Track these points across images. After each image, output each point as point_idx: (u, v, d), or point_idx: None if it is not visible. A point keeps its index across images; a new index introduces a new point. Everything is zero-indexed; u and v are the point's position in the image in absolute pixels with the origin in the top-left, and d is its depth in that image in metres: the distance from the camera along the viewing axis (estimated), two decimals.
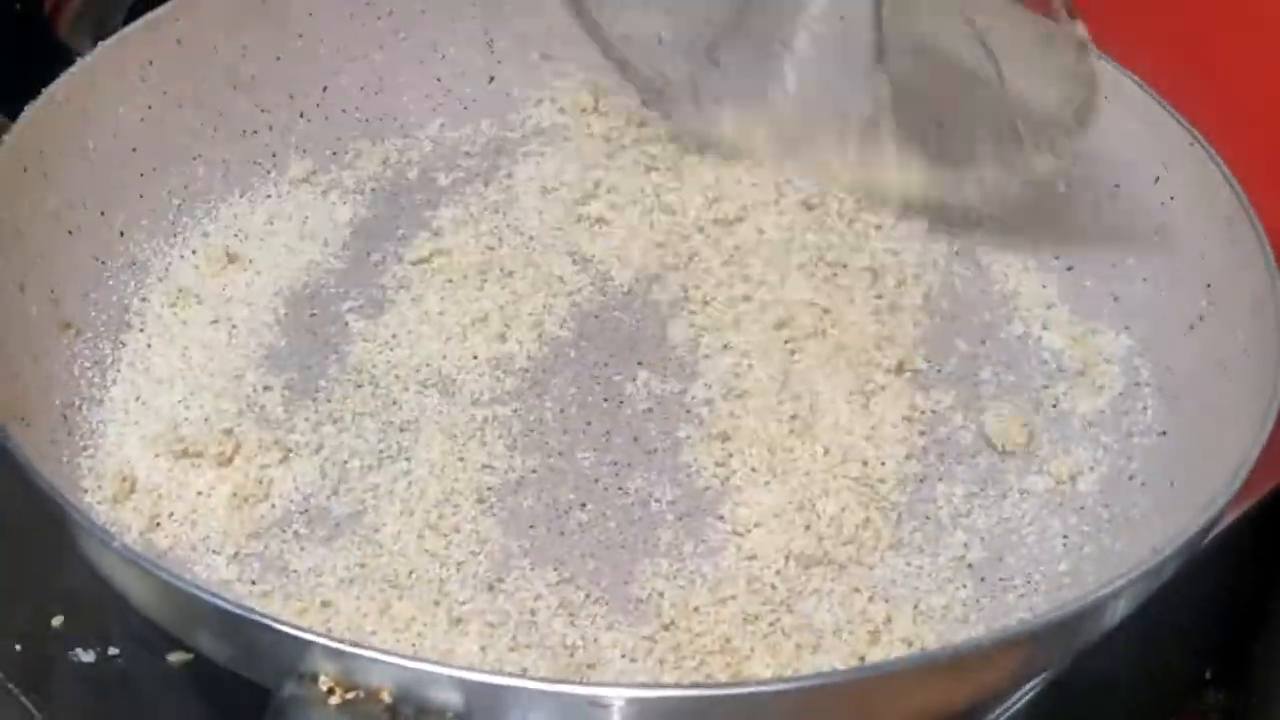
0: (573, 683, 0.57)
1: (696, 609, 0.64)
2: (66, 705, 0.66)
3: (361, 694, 0.52)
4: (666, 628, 0.64)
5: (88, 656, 0.66)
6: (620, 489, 0.70)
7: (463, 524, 0.67)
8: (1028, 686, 0.67)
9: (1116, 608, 0.58)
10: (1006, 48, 0.77)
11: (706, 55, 0.85)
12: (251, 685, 0.56)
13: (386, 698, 0.52)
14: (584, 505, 0.69)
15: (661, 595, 0.65)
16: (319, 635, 0.53)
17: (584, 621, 0.64)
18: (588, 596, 0.65)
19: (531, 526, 0.68)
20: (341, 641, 0.53)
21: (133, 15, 0.79)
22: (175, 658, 0.66)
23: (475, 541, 0.67)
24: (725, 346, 0.76)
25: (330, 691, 0.53)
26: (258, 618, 0.54)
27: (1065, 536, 0.69)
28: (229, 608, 0.54)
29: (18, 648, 0.67)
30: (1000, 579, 0.67)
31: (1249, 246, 0.71)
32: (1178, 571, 0.60)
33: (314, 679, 0.53)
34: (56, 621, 0.67)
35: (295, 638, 0.53)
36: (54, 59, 0.75)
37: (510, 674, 0.53)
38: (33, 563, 0.69)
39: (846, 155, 0.82)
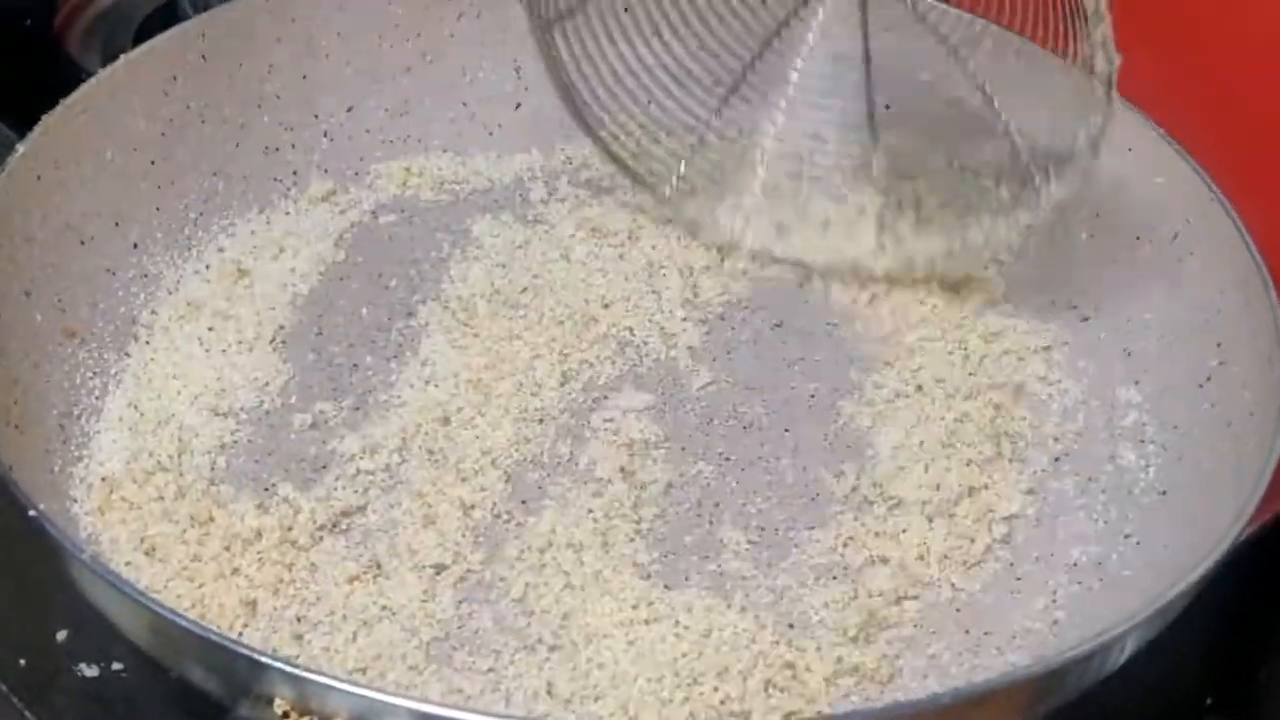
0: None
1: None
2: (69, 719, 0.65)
3: None
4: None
5: (91, 671, 0.66)
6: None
7: (446, 557, 0.67)
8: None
9: (1091, 669, 0.58)
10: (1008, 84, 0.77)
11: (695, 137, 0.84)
12: None
13: None
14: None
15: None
16: (277, 660, 0.53)
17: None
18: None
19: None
20: (298, 667, 0.53)
21: (141, 35, 0.80)
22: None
23: (459, 569, 0.66)
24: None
25: (285, 716, 0.53)
26: (215, 638, 0.54)
27: (1054, 594, 0.68)
28: (188, 626, 0.54)
29: (21, 662, 0.66)
30: (985, 633, 0.67)
31: (1262, 307, 0.70)
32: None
33: (269, 702, 0.53)
34: (61, 636, 0.67)
35: (253, 660, 0.53)
36: (63, 76, 0.76)
37: (466, 709, 0.53)
38: (37, 577, 0.68)
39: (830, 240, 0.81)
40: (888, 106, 0.81)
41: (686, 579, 0.67)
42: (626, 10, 0.82)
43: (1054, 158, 0.75)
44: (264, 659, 0.53)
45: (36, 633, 0.67)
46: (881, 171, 0.80)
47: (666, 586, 0.66)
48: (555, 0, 0.79)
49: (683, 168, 0.83)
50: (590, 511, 0.69)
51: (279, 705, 0.53)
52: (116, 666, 0.66)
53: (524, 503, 0.70)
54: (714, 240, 0.83)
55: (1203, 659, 0.72)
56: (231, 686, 0.54)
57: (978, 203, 0.79)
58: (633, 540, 0.68)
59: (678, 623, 0.65)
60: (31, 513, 0.57)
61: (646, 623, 0.64)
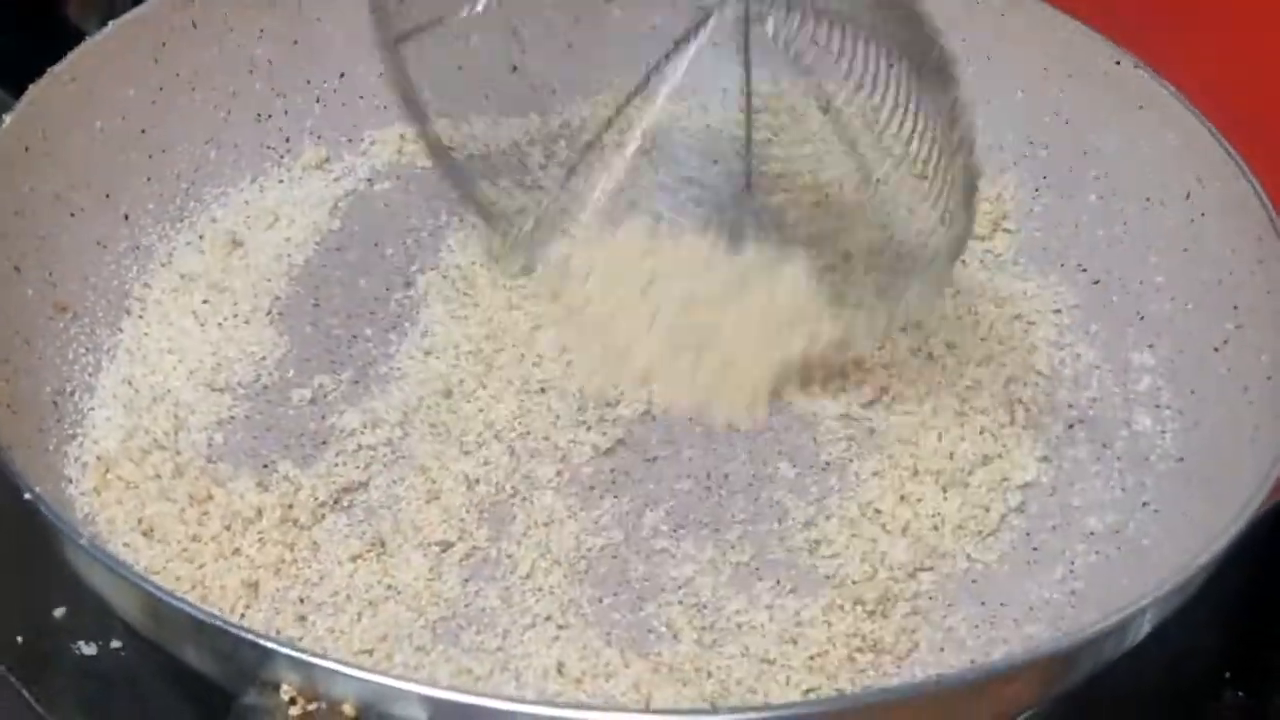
0: (548, 704, 0.56)
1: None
2: (68, 698, 0.64)
3: (323, 706, 0.51)
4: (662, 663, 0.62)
5: (90, 649, 0.65)
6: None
7: (451, 534, 0.65)
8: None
9: (1110, 644, 0.56)
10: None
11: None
12: None
13: (349, 710, 0.51)
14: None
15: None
16: (283, 645, 0.51)
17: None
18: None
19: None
20: (305, 652, 0.51)
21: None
22: None
23: (464, 547, 0.65)
24: None
25: (292, 701, 0.51)
26: (220, 624, 0.53)
27: (1072, 564, 0.67)
28: (191, 611, 0.53)
29: (19, 639, 0.65)
30: (1001, 605, 0.66)
31: (1279, 268, 0.69)
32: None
33: (276, 688, 0.51)
34: (58, 613, 0.66)
35: (259, 645, 0.52)
36: (63, 40, 0.74)
37: (478, 693, 0.52)
38: (34, 553, 0.66)
39: None
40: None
41: (700, 549, 0.66)
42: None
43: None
44: (270, 644, 0.51)
45: (34, 610, 0.66)
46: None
47: (674, 557, 0.65)
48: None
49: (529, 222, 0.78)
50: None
51: (285, 691, 0.51)
52: (115, 644, 0.65)
53: (528, 477, 0.68)
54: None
55: (1221, 635, 0.71)
56: (237, 672, 0.52)
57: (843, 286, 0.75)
58: (641, 513, 0.67)
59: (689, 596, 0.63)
60: (28, 495, 0.56)
61: None
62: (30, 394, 0.67)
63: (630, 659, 0.61)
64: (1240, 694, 0.73)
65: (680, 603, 0.64)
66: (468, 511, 0.66)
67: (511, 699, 0.51)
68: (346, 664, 0.51)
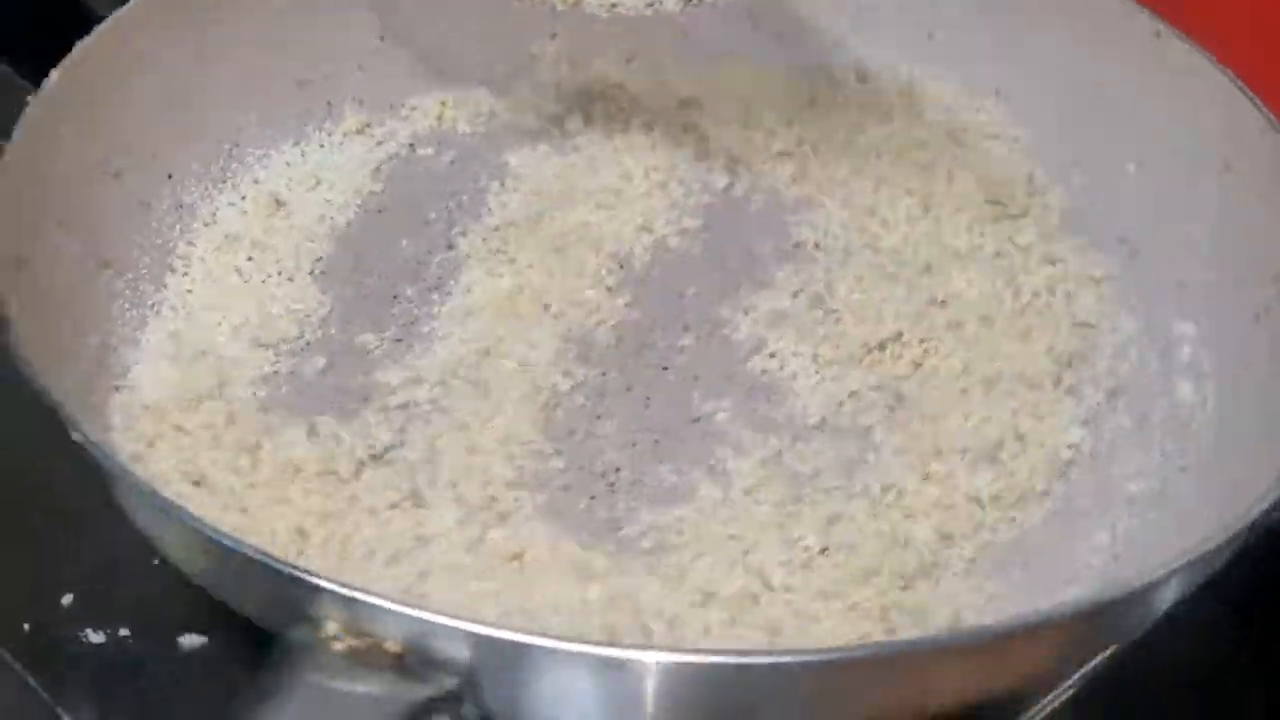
0: (588, 643, 0.56)
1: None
2: (75, 686, 0.64)
3: (369, 643, 0.51)
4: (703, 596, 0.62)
5: (98, 637, 0.65)
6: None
7: (493, 483, 0.66)
8: (1064, 685, 0.65)
9: (1156, 598, 0.56)
10: None
11: None
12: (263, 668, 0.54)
13: (393, 648, 0.51)
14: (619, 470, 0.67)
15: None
16: (328, 581, 0.51)
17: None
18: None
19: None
20: (351, 588, 0.51)
21: None
22: (187, 640, 0.65)
23: (509, 494, 0.66)
24: None
25: (337, 638, 0.51)
26: (268, 561, 0.53)
27: (1113, 527, 0.67)
28: (242, 549, 0.53)
29: (26, 627, 0.65)
30: (1045, 570, 0.66)
31: None
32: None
33: (321, 624, 0.51)
34: (66, 601, 0.66)
35: (305, 582, 0.52)
36: (77, 20, 0.74)
37: (518, 629, 0.52)
38: (42, 541, 0.67)
39: None
40: None
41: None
42: None
43: None
44: (316, 579, 0.51)
45: (41, 597, 0.66)
46: None
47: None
48: None
49: None
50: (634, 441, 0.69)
51: (331, 627, 0.51)
52: (123, 632, 0.65)
53: (572, 433, 0.68)
54: None
55: (1239, 623, 0.71)
56: (286, 611, 0.52)
57: None
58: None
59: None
60: (77, 436, 0.56)
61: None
62: (75, 347, 0.67)
63: (666, 605, 0.61)
64: (1259, 683, 0.73)
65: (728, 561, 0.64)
66: (505, 466, 0.66)
67: (558, 637, 0.51)
68: (392, 599, 0.51)
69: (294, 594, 0.52)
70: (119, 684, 0.64)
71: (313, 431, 0.67)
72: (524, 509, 0.65)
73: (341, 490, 0.65)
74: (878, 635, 0.62)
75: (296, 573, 0.52)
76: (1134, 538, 0.67)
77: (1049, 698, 0.65)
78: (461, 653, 0.51)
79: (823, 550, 0.65)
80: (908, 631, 0.62)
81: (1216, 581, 0.59)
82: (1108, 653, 0.64)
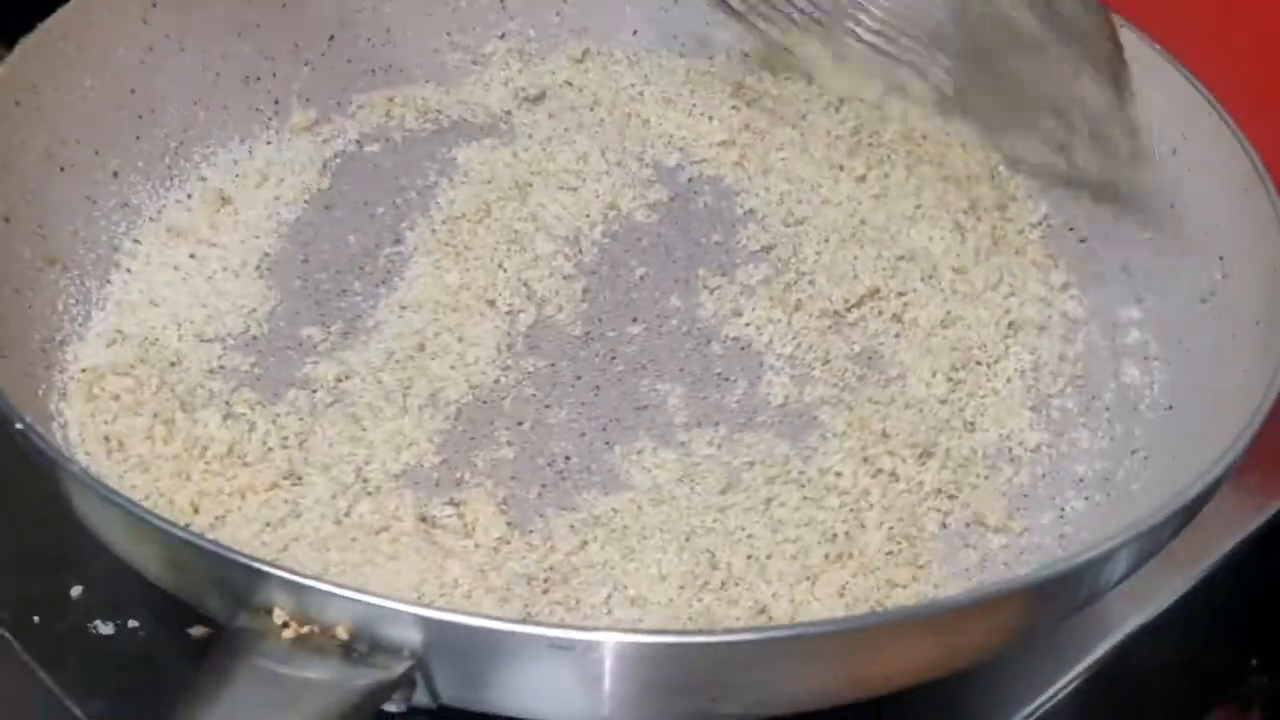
0: (538, 624, 0.56)
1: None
2: (84, 678, 0.63)
3: (316, 629, 0.51)
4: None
5: (107, 629, 0.64)
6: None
7: (375, 475, 0.66)
8: (1070, 675, 0.66)
9: (1103, 572, 0.56)
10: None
11: None
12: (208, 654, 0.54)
13: (342, 634, 0.51)
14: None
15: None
16: (274, 567, 0.51)
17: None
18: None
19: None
20: (296, 574, 0.51)
21: None
22: (196, 631, 0.64)
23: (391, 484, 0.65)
24: None
25: (285, 625, 0.51)
26: (211, 547, 0.52)
27: (1061, 510, 0.67)
28: (184, 536, 0.53)
29: (35, 619, 0.65)
30: (1002, 545, 0.66)
31: (1265, 217, 0.69)
32: (1224, 559, 0.59)
33: (268, 612, 0.51)
34: (75, 592, 0.65)
35: (250, 568, 0.51)
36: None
37: (471, 613, 0.52)
38: (50, 532, 0.67)
39: None
40: None
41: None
42: None
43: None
44: (262, 566, 0.51)
45: (50, 589, 0.66)
46: None
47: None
48: None
49: None
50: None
51: (278, 615, 0.51)
52: (132, 624, 0.65)
53: (520, 423, 0.69)
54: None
55: (1244, 620, 0.72)
56: (229, 597, 0.52)
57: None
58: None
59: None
60: (18, 426, 0.56)
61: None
62: (19, 341, 0.66)
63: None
64: (1264, 678, 0.73)
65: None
66: (394, 460, 0.66)
67: (509, 620, 0.51)
68: (342, 586, 0.50)
69: (240, 580, 0.52)
70: (129, 676, 0.63)
71: (230, 414, 0.67)
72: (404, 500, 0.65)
73: (242, 473, 0.65)
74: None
75: (243, 559, 0.51)
76: (1082, 520, 0.67)
77: (1048, 693, 0.65)
78: (411, 637, 0.51)
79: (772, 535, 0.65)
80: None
81: (1217, 581, 0.59)
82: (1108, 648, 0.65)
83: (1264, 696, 0.76)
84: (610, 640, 0.51)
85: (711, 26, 0.88)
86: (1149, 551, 0.59)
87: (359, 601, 0.51)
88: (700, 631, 0.58)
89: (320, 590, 0.51)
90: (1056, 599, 0.57)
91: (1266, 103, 0.75)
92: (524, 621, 0.54)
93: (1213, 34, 0.79)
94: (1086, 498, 0.68)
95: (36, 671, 0.63)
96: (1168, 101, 0.76)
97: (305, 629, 0.51)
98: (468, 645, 0.51)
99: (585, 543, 0.63)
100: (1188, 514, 0.58)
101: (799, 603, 0.61)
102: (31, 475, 0.57)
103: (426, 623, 0.50)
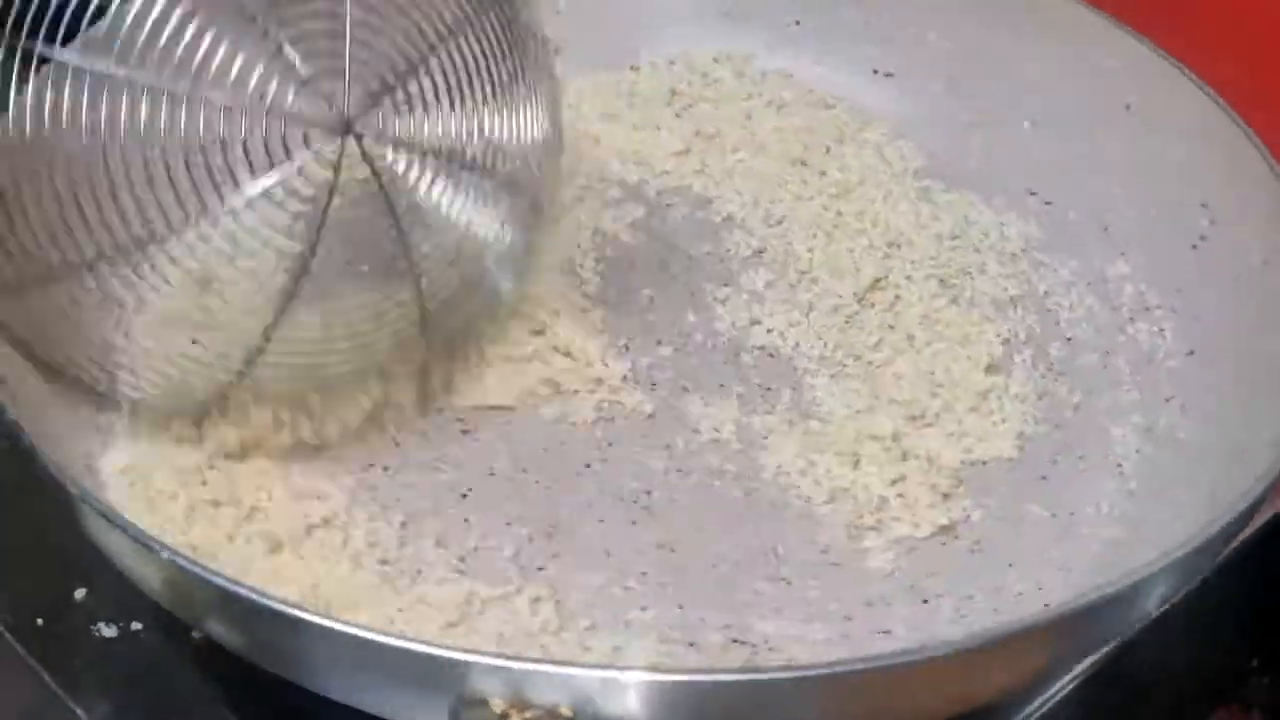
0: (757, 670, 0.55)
1: None
2: (88, 681, 0.63)
3: (540, 713, 0.49)
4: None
5: (110, 631, 0.64)
6: None
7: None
8: (1070, 675, 0.65)
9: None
10: None
11: None
12: None
13: (566, 712, 0.49)
14: None
15: None
16: (476, 654, 0.49)
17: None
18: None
19: None
20: (504, 657, 0.49)
21: None
22: (200, 634, 0.63)
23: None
24: None
25: (504, 716, 0.49)
26: (399, 643, 0.50)
27: (1119, 465, 0.69)
28: (367, 635, 0.50)
29: (39, 622, 0.64)
30: (1068, 513, 0.67)
31: (1252, 161, 0.71)
32: (1224, 559, 0.59)
33: (484, 704, 0.49)
34: (79, 594, 0.65)
35: (449, 660, 0.49)
36: None
37: (699, 670, 0.50)
38: (53, 533, 0.64)
39: None
40: None
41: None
42: None
43: None
44: (470, 657, 0.49)
45: (54, 591, 0.65)
46: None
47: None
48: None
49: None
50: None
51: (496, 705, 0.49)
52: (136, 626, 0.64)
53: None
54: None
55: (1246, 619, 0.73)
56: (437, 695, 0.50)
57: None
58: None
59: None
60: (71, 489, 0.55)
61: None
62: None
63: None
64: (1265, 680, 0.75)
65: None
66: None
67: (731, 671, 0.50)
68: (557, 664, 0.49)
69: (444, 677, 0.50)
70: (132, 678, 0.63)
71: None
72: None
73: None
74: (828, 635, 0.62)
75: (445, 653, 0.49)
76: (1143, 472, 0.68)
77: (1048, 693, 0.65)
78: (633, 705, 0.49)
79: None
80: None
81: (1218, 582, 0.60)
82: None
83: (1265, 698, 0.77)
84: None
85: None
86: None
87: (576, 676, 0.49)
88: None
89: (533, 671, 0.49)
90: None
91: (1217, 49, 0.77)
92: (745, 670, 0.53)
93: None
94: (1138, 451, 0.69)
95: (40, 674, 0.63)
96: (1112, 60, 0.79)
97: (529, 714, 0.49)
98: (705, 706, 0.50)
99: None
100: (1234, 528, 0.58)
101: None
102: (36, 476, 0.56)
103: (650, 687, 0.49)
